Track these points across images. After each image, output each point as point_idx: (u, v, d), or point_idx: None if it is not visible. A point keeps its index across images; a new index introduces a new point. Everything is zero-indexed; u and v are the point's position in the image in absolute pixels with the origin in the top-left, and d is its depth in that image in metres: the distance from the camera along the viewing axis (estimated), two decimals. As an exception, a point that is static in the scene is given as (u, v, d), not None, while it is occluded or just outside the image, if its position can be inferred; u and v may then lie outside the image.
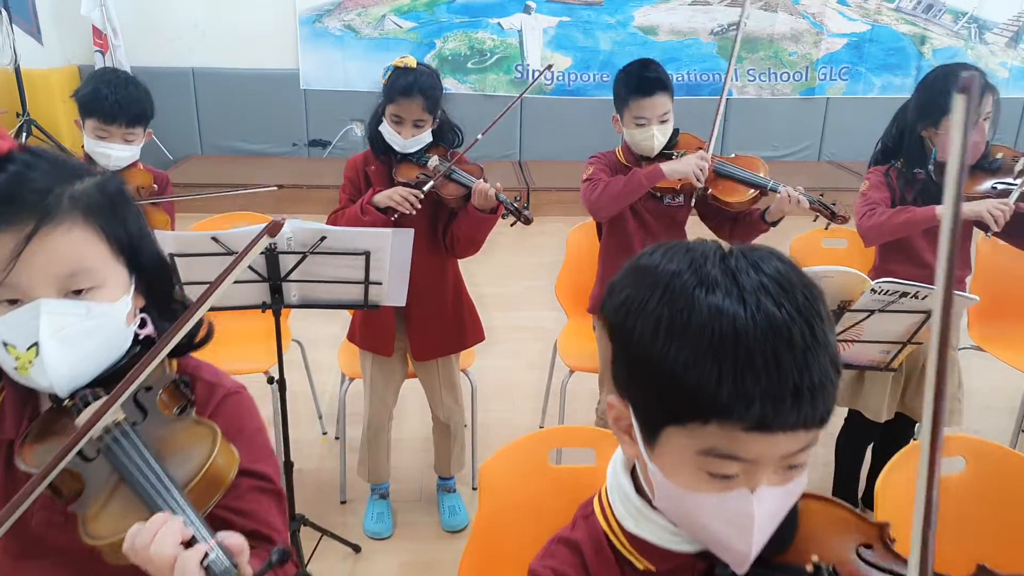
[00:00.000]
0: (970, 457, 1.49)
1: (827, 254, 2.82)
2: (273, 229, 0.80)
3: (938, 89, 2.01)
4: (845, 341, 1.77)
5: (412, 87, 2.00)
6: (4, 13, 5.49)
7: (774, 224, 2.11)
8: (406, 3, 6.50)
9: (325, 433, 2.95)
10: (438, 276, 2.18)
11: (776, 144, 7.03)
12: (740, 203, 2.11)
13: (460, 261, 2.25)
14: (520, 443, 1.47)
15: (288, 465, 2.05)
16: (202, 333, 0.95)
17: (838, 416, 2.40)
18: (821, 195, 2.02)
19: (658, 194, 2.19)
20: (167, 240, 1.63)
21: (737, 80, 6.97)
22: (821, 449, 2.57)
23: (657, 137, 2.13)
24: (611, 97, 2.22)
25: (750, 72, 7.00)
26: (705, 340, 0.61)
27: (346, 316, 2.44)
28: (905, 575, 0.63)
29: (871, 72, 7.02)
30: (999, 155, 2.06)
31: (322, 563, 2.28)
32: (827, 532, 0.71)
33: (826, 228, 2.05)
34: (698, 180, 2.06)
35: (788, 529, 0.69)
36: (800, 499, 0.72)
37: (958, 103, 0.70)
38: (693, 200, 2.19)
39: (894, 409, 2.21)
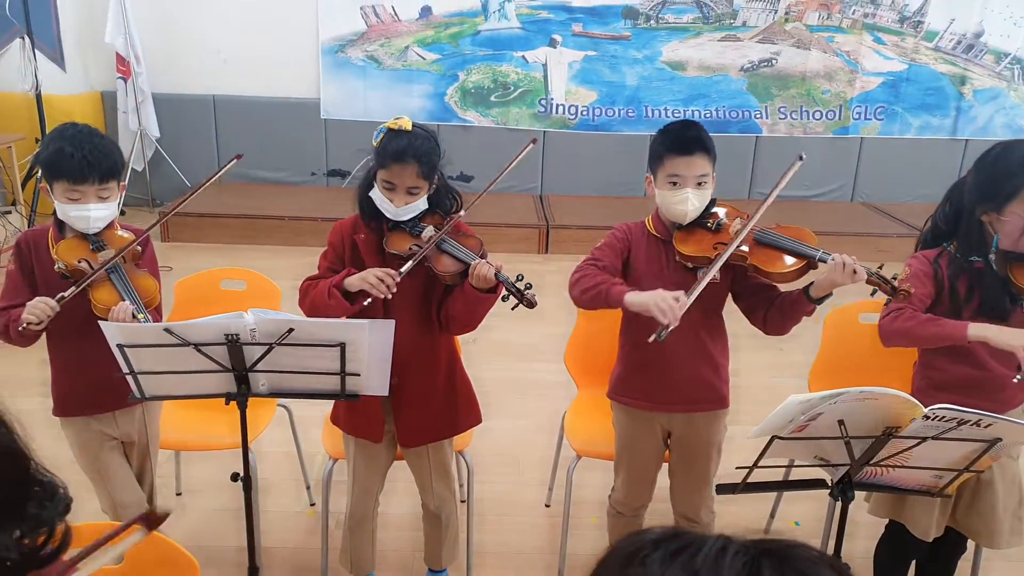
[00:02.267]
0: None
1: (865, 330, 2.56)
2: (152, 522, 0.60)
3: (1002, 169, 1.77)
4: (887, 466, 1.53)
5: (406, 152, 1.81)
6: (27, 40, 5.47)
7: (820, 302, 1.85)
8: (430, 34, 6.39)
9: (312, 504, 2.74)
10: (430, 355, 1.97)
11: (808, 183, 6.77)
12: (783, 274, 1.83)
13: None
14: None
15: (253, 571, 1.84)
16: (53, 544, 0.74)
17: (877, 524, 2.12)
18: (880, 267, 1.75)
19: (690, 265, 1.93)
20: (113, 331, 1.45)
21: (767, 118, 6.74)
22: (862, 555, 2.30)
23: (692, 201, 1.89)
24: (636, 132, 1.99)
25: (781, 110, 6.76)
26: None
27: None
28: None
29: (908, 112, 6.75)
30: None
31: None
32: None
33: (887, 304, 1.79)
34: (664, 320, 1.73)
35: None
36: None
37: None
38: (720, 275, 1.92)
39: (944, 525, 1.94)
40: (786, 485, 1.65)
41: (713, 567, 0.46)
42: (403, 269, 1.81)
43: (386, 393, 1.75)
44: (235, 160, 2.16)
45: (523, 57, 6.46)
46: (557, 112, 6.56)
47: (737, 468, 1.51)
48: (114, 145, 1.90)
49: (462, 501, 2.55)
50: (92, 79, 6.21)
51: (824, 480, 1.59)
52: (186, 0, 6.10)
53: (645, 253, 1.97)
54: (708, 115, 6.57)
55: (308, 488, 2.77)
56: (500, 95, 6.51)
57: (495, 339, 3.85)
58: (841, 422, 1.39)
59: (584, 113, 6.57)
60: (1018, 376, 1.69)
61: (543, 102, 6.53)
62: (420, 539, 2.35)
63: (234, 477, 1.77)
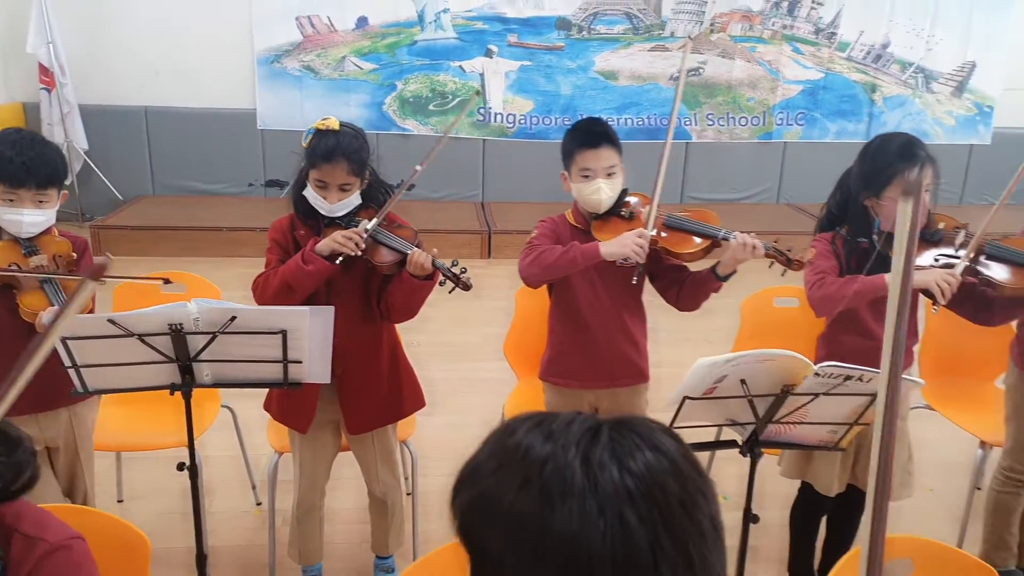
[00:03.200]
0: (918, 559, 1.40)
1: (778, 314, 2.76)
2: (96, 272, 0.69)
3: (879, 160, 1.97)
4: (789, 423, 1.69)
5: (335, 151, 1.90)
6: (-55, 50, 5.32)
7: (726, 279, 2.02)
8: (367, 44, 6.46)
9: (259, 504, 2.78)
10: (372, 344, 2.06)
11: (735, 187, 7.08)
12: (691, 254, 2.01)
13: None
14: (444, 551, 1.36)
15: (201, 559, 1.89)
16: (23, 479, 0.82)
17: (791, 488, 2.31)
18: (775, 241, 1.94)
19: None
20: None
21: (696, 124, 7.03)
22: (776, 515, 2.48)
23: (604, 191, 2.04)
24: (564, 169, 2.15)
25: (709, 116, 7.06)
26: (557, 567, 0.52)
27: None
28: None
29: (826, 118, 7.14)
30: (940, 225, 2.02)
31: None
32: None
33: (783, 275, 1.97)
34: (638, 257, 1.95)
35: None
36: None
37: (903, 209, 0.65)
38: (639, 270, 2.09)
39: (845, 481, 2.13)
40: (701, 446, 1.79)
41: (564, 430, 0.57)
42: (369, 225, 1.92)
43: (328, 380, 1.83)
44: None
45: (460, 67, 6.59)
46: (496, 121, 6.71)
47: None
48: (57, 153, 1.93)
49: (408, 494, 2.63)
50: (13, 90, 6.06)
51: (735, 440, 1.75)
52: (113, 8, 6.00)
53: (568, 243, 2.12)
54: (640, 122, 6.83)
55: (254, 488, 2.81)
56: (438, 104, 6.62)
57: (438, 341, 3.95)
58: (743, 381, 1.55)
59: (522, 122, 6.73)
60: (935, 308, 1.91)
61: (481, 111, 6.67)
62: (367, 531, 2.42)
63: (180, 466, 1.82)
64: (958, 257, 1.94)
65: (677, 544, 0.52)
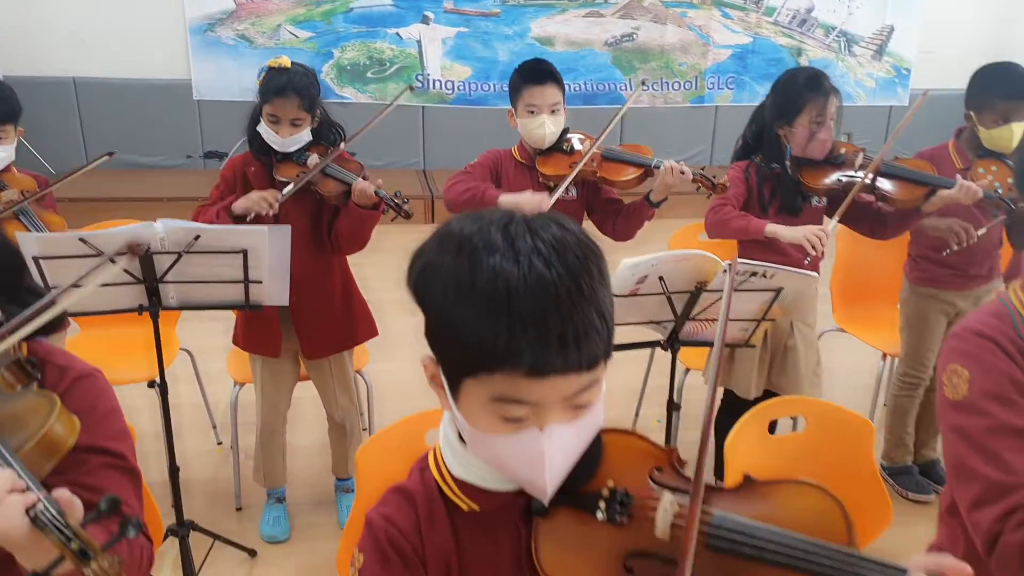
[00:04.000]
0: (812, 419, 1.64)
1: (703, 246, 2.99)
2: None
3: (790, 91, 2.20)
4: (704, 320, 1.91)
5: (287, 87, 2.02)
6: None
7: (658, 205, 2.22)
8: (302, 12, 6.45)
9: (220, 443, 2.89)
10: (325, 273, 2.20)
11: (670, 150, 7.32)
12: (626, 182, 2.21)
13: (358, 265, 2.28)
14: (397, 426, 1.52)
15: (174, 471, 2.01)
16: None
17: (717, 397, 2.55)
18: (703, 169, 2.16)
19: (551, 184, 2.25)
20: (30, 242, 1.59)
21: (631, 90, 7.25)
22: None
23: (548, 127, 2.22)
24: (511, 107, 2.30)
25: (643, 81, 7.28)
26: (484, 300, 0.68)
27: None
28: (687, 490, 0.72)
29: (754, 81, 7.43)
30: (843, 151, 2.27)
31: (217, 569, 2.25)
32: (626, 461, 0.79)
33: (708, 198, 2.18)
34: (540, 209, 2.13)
35: (593, 462, 0.78)
36: (604, 434, 0.80)
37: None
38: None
39: (762, 387, 2.37)
40: (627, 346, 1.99)
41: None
42: (285, 191, 2.03)
43: (286, 303, 1.96)
44: (106, 157, 2.28)
45: (397, 34, 6.64)
46: (434, 87, 6.80)
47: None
48: (11, 91, 2.00)
49: (364, 429, 2.78)
50: (-69, 61, 5.87)
51: (658, 340, 1.96)
52: (37, -24, 5.84)
53: (513, 177, 2.30)
54: (577, 88, 7.00)
55: (215, 427, 2.92)
56: (376, 71, 6.67)
57: (391, 299, 4.08)
58: (661, 278, 1.75)
59: (461, 88, 6.83)
60: (807, 259, 2.13)
61: (419, 78, 6.74)
62: (328, 462, 2.57)
63: (151, 384, 1.94)
64: (858, 176, 2.19)
65: (575, 281, 0.69)
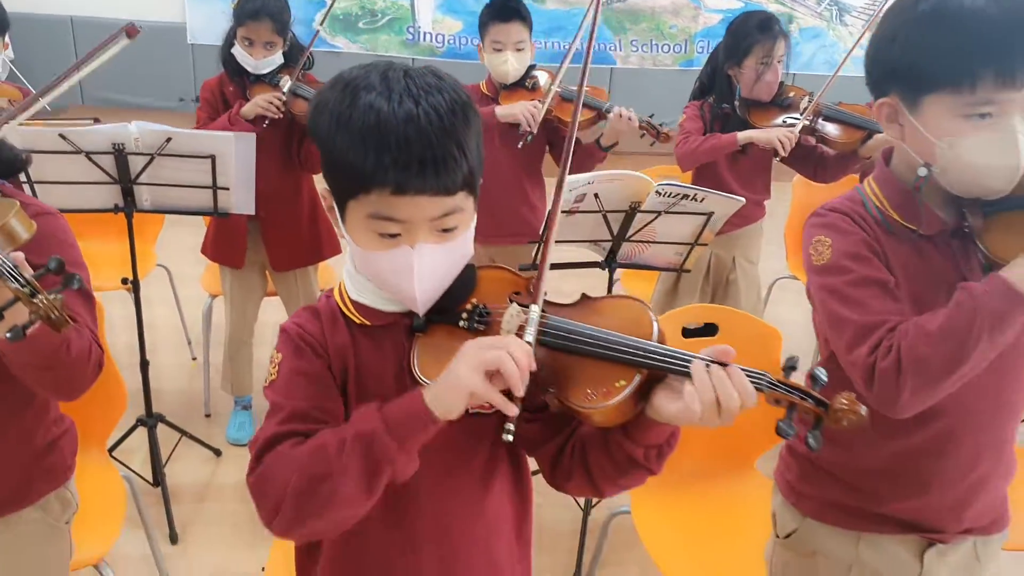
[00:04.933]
0: (723, 325, 1.80)
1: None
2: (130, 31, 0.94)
3: (740, 34, 2.33)
4: (643, 242, 2.05)
5: (260, 10, 2.15)
6: None
7: (607, 149, 2.36)
8: (296, -41, 6.48)
9: (194, 358, 3.06)
10: (292, 191, 2.34)
11: (658, 112, 7.38)
12: (580, 123, 2.34)
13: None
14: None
15: (144, 364, 2.17)
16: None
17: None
18: (651, 116, 2.30)
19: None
20: (13, 135, 1.72)
21: (621, 50, 7.31)
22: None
23: (512, 63, 2.34)
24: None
25: (633, 43, 7.34)
26: (358, 129, 0.81)
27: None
28: (536, 304, 0.87)
29: (790, 57, 7.48)
30: (791, 94, 2.40)
31: (184, 464, 2.42)
32: (494, 287, 0.94)
33: (651, 145, 2.32)
34: (528, 125, 2.27)
35: (466, 288, 0.93)
36: (480, 269, 0.95)
37: None
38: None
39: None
40: (568, 265, 2.13)
41: (375, 65, 0.86)
42: (285, 89, 2.18)
43: (252, 211, 2.10)
44: (124, 34, 2.37)
45: (390, -16, 6.68)
46: (425, 40, 6.86)
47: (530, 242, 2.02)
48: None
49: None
50: (-70, -6, 5.92)
51: (598, 261, 2.11)
52: (36, -87, 5.88)
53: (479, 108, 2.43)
54: (567, 46, 7.07)
55: (189, 344, 3.08)
56: (368, 22, 6.72)
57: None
58: (597, 196, 1.89)
59: (451, 42, 6.89)
60: (777, 158, 2.28)
61: (411, 30, 6.80)
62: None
63: (124, 281, 2.09)
64: (799, 119, 2.32)
65: (437, 116, 0.82)
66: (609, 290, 2.16)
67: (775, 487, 1.24)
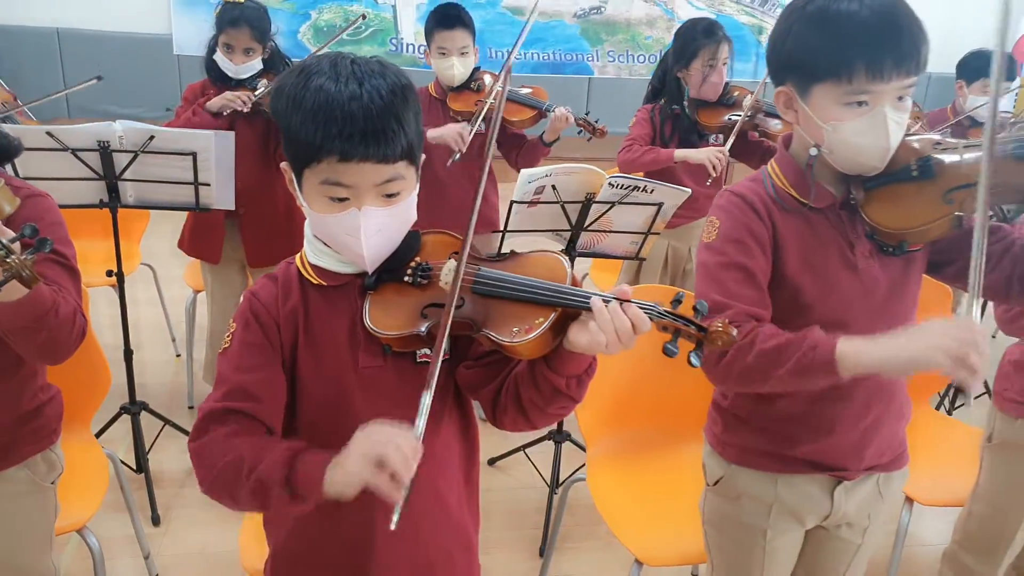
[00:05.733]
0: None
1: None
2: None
3: (687, 37, 2.48)
4: (600, 231, 2.19)
5: (240, 18, 2.28)
6: None
7: (550, 145, 2.51)
8: (280, -27, 6.62)
9: (179, 355, 3.16)
10: (269, 188, 2.46)
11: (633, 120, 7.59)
12: (522, 121, 2.52)
13: None
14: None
15: (128, 353, 2.27)
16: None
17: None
18: (587, 114, 2.46)
19: (459, 119, 2.53)
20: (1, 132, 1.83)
21: (598, 60, 7.50)
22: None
23: (457, 67, 2.49)
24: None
25: (610, 53, 7.53)
26: (309, 107, 0.94)
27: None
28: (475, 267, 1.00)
29: (735, 59, 7.68)
30: (735, 93, 2.55)
31: (167, 452, 2.52)
32: (437, 249, 1.06)
33: (588, 141, 2.48)
34: (457, 146, 2.43)
35: (411, 250, 1.05)
36: (424, 234, 1.08)
37: None
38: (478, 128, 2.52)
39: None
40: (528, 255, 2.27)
41: (328, 55, 0.99)
42: (258, 92, 2.30)
43: (232, 207, 2.21)
44: (94, 81, 2.53)
45: (373, -3, 6.84)
46: (408, 51, 7.01)
47: (494, 232, 2.14)
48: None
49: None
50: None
51: (559, 250, 2.24)
52: (22, -74, 6.00)
53: (427, 110, 2.59)
54: (546, 57, 7.25)
55: (173, 340, 3.18)
56: (352, 33, 6.85)
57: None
58: (554, 187, 2.03)
59: (433, 53, 7.06)
60: (709, 180, 2.41)
61: (393, 41, 6.95)
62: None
63: (109, 273, 2.20)
64: (739, 115, 2.47)
65: (379, 95, 0.94)
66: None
67: (705, 440, 1.37)
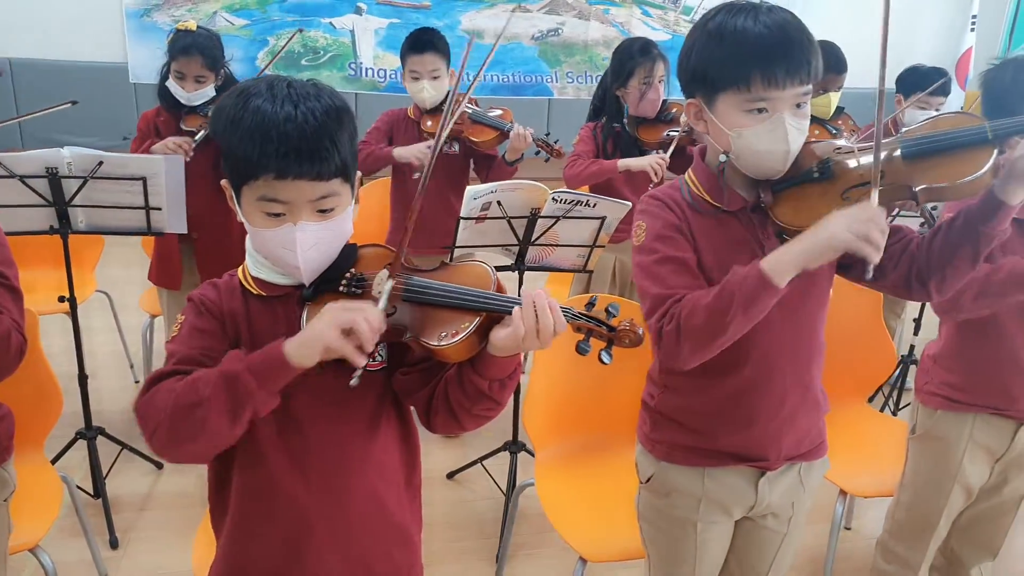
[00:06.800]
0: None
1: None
2: None
3: (624, 56, 2.59)
4: (547, 245, 2.26)
5: (191, 47, 2.33)
6: None
7: (513, 164, 2.59)
8: (237, 0, 6.67)
9: (137, 381, 3.15)
10: (223, 212, 2.44)
11: (577, 138, 7.74)
12: (486, 142, 2.60)
13: None
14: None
15: (83, 378, 2.28)
16: None
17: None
18: (547, 135, 2.55)
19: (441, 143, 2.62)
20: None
21: (557, 82, 7.65)
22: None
23: (428, 91, 2.57)
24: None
25: (569, 75, 7.69)
26: (246, 127, 1.00)
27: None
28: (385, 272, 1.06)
29: (672, 76, 7.87)
30: (673, 109, 2.66)
31: (126, 476, 2.52)
32: (373, 261, 1.12)
33: (546, 161, 2.56)
34: (418, 162, 2.54)
35: (348, 262, 1.11)
36: (361, 247, 1.14)
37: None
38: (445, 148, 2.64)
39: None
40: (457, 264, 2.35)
41: (266, 77, 1.06)
42: (197, 138, 2.34)
43: (184, 230, 2.24)
44: (68, 104, 2.57)
45: (331, 23, 6.91)
46: (367, 75, 7.09)
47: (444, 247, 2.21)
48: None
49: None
50: None
51: (509, 264, 2.31)
52: (-27, -42, 5.97)
53: (405, 131, 2.69)
54: (505, 80, 7.38)
55: (132, 367, 3.18)
56: (311, 59, 6.92)
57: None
58: (500, 203, 2.10)
59: (393, 76, 7.14)
60: (652, 184, 2.50)
61: (352, 66, 7.03)
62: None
63: (61, 299, 2.21)
64: (678, 131, 2.58)
65: (314, 116, 1.00)
66: (518, 292, 2.36)
67: (637, 440, 1.44)
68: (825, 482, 1.68)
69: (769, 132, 1.17)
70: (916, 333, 3.06)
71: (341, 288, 1.09)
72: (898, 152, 1.19)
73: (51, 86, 6.33)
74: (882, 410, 3.05)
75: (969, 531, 1.74)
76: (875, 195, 1.11)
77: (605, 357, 0.97)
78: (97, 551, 2.02)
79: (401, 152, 2.57)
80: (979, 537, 1.74)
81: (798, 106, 1.19)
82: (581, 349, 0.97)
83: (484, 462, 2.58)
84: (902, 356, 3.08)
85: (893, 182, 1.17)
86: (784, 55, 1.14)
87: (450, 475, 2.64)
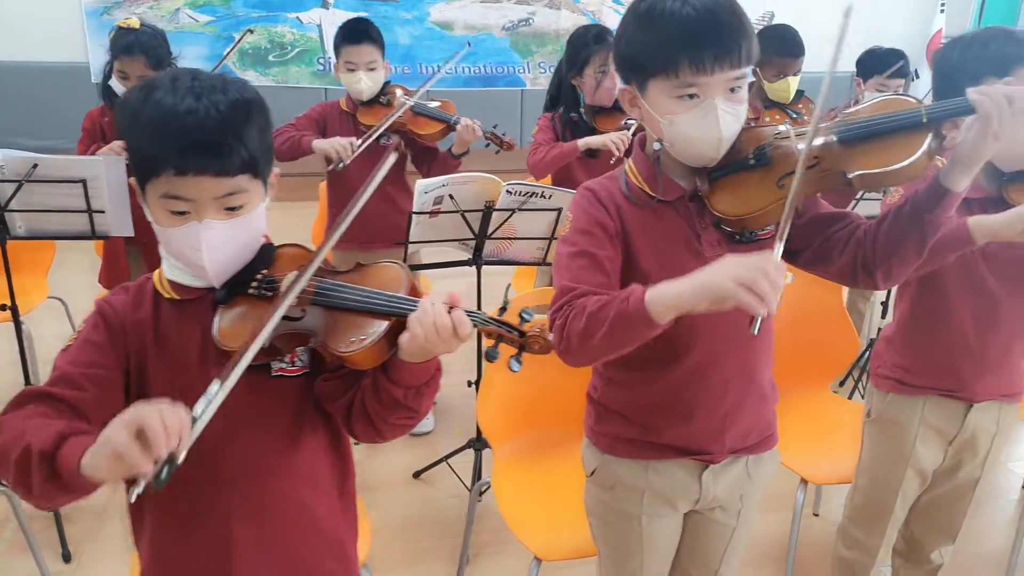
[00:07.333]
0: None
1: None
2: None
3: (578, 44, 2.55)
4: (505, 239, 2.22)
5: (133, 46, 2.26)
6: None
7: (459, 158, 2.55)
8: (201, -4, 6.56)
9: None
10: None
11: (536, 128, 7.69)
12: (431, 135, 2.54)
13: None
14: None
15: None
16: None
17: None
18: (495, 127, 2.50)
19: (374, 136, 2.55)
20: None
21: (529, 72, 7.59)
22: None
23: (364, 82, 2.52)
24: (413, 88, 2.63)
25: (541, 64, 7.63)
26: (147, 122, 0.96)
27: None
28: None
29: None
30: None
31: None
32: (288, 263, 1.08)
33: (496, 153, 2.52)
34: (339, 157, 2.47)
35: (263, 263, 1.06)
36: (279, 247, 1.09)
37: None
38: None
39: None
40: (438, 265, 2.29)
41: (174, 69, 1.01)
42: None
43: (131, 233, 2.18)
44: None
45: (297, 18, 6.81)
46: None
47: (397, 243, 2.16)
48: None
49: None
50: None
51: (466, 259, 2.27)
52: (-76, -43, 5.82)
53: (338, 124, 2.62)
54: (477, 71, 7.31)
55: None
56: (278, 55, 6.82)
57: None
58: (452, 196, 2.06)
59: (362, 71, 7.05)
60: (613, 160, 2.46)
61: (321, 61, 6.93)
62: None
63: (2, 307, 2.14)
64: (634, 120, 2.54)
65: (217, 110, 0.96)
66: (478, 287, 2.32)
67: (584, 433, 1.41)
68: (785, 469, 1.66)
69: (700, 118, 1.14)
70: (884, 316, 3.06)
71: (251, 291, 1.04)
72: (834, 137, 1.16)
73: (11, 87, 6.20)
74: (851, 395, 3.05)
75: (928, 515, 1.73)
76: (779, 247, 1.05)
77: (514, 364, 0.94)
78: (45, 566, 1.97)
79: (320, 144, 2.50)
80: (938, 521, 1.73)
81: (732, 91, 1.15)
82: (490, 355, 0.94)
83: (450, 460, 2.55)
84: (871, 340, 3.07)
85: (828, 168, 1.14)
86: (713, 39, 1.11)
87: (416, 474, 2.61)
